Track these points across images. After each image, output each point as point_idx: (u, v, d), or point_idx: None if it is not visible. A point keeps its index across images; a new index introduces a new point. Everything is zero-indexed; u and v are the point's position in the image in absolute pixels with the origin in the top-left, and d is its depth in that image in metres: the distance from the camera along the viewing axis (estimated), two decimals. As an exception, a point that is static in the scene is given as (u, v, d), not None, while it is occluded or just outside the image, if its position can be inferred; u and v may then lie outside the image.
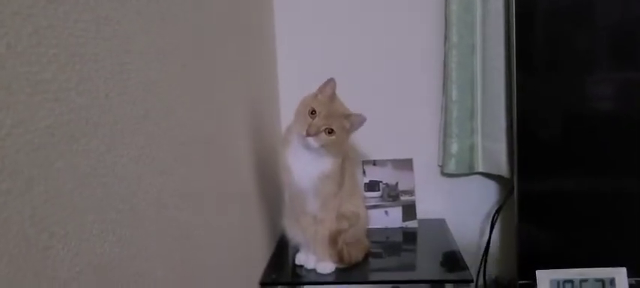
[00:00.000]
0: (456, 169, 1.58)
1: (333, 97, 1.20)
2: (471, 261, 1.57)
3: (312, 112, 1.16)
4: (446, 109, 1.57)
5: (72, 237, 0.53)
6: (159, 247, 0.74)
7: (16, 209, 0.45)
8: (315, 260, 1.30)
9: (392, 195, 1.62)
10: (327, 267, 1.28)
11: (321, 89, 1.20)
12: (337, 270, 1.29)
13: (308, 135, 1.15)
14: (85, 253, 0.56)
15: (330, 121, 1.16)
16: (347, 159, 1.31)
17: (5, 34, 0.44)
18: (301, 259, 1.34)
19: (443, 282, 1.43)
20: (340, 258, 1.28)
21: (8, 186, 0.44)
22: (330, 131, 1.16)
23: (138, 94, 0.69)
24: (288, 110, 1.67)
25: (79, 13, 0.56)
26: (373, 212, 1.59)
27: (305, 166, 1.21)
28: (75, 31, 0.54)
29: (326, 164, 1.21)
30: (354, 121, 1.20)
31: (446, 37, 1.55)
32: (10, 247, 0.45)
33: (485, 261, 1.58)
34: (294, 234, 1.35)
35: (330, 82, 1.20)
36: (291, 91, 1.66)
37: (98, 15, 0.59)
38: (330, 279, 1.28)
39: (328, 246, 1.26)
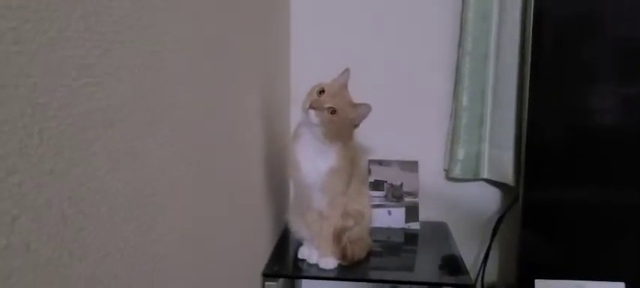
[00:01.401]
0: (462, 174, 1.60)
1: (345, 86, 1.22)
2: (471, 266, 1.59)
3: (321, 92, 1.18)
4: (455, 115, 1.58)
5: (103, 220, 0.54)
6: (174, 234, 0.75)
7: (57, 190, 0.46)
8: (318, 255, 1.31)
9: (396, 195, 1.63)
10: (329, 263, 1.29)
11: (336, 78, 1.22)
12: (339, 266, 1.30)
13: (311, 107, 1.16)
14: (113, 236, 0.57)
15: (335, 102, 1.16)
16: (356, 158, 1.32)
17: (57, 18, 0.45)
18: (304, 253, 1.35)
19: (442, 285, 1.45)
20: (343, 255, 1.29)
21: (51, 166, 0.45)
22: (333, 111, 1.16)
23: (167, 83, 0.70)
24: (298, 106, 1.68)
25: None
26: (376, 211, 1.60)
27: (313, 161, 1.21)
28: (118, 17, 0.55)
29: (334, 160, 1.21)
30: (360, 111, 1.20)
31: (460, 44, 1.56)
32: (49, 226, 0.46)
33: (485, 266, 1.60)
34: (298, 228, 1.36)
35: (346, 72, 1.22)
36: (303, 88, 1.67)
37: (138, 2, 0.60)
38: (332, 275, 1.29)
39: (332, 243, 1.28)
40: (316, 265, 1.31)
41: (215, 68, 0.92)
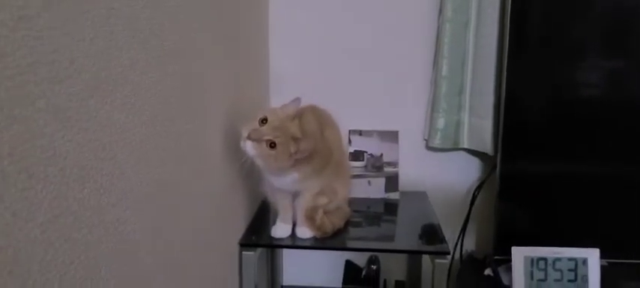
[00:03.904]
0: (441, 143, 1.59)
1: (292, 116, 1.13)
2: (450, 234, 1.59)
3: (263, 121, 1.10)
4: (435, 84, 1.57)
5: (51, 180, 0.53)
6: (139, 200, 0.73)
7: (-6, 146, 0.45)
8: (297, 225, 1.29)
9: (376, 166, 1.63)
10: (306, 232, 1.28)
11: (284, 105, 1.15)
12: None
13: (248, 138, 1.08)
14: (64, 197, 0.55)
15: (276, 134, 1.08)
16: (333, 142, 1.28)
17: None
18: (276, 232, 1.30)
19: (420, 253, 1.46)
20: (323, 231, 1.28)
21: (-14, 121, 0.43)
22: (273, 145, 1.08)
23: (124, 41, 0.67)
24: (277, 78, 1.66)
25: (67, -49, 0.54)
26: (356, 182, 1.59)
27: (281, 176, 1.19)
28: (61, -32, 0.53)
29: (302, 174, 1.17)
30: (301, 147, 1.11)
31: (440, 11, 1.54)
32: (-13, 183, 0.44)
33: (463, 235, 1.61)
34: (274, 200, 1.34)
35: (295, 101, 1.14)
36: (282, 53, 1.65)
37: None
38: (309, 244, 1.29)
39: (306, 222, 1.27)
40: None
41: (183, 29, 0.90)
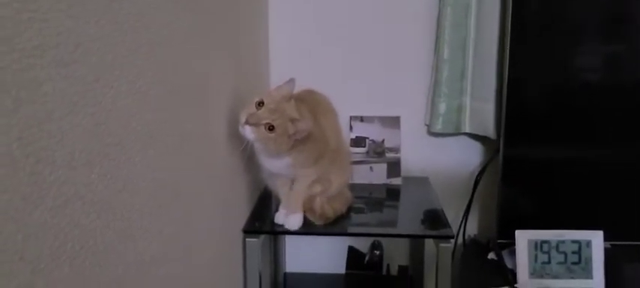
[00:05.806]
0: (443, 128, 1.59)
1: (288, 98, 1.13)
2: (452, 219, 1.59)
3: (260, 104, 1.09)
4: (436, 69, 1.56)
5: (59, 165, 0.52)
6: (146, 186, 0.73)
7: (3, 129, 0.44)
8: (285, 214, 1.28)
9: (377, 151, 1.62)
10: (295, 223, 1.26)
11: (278, 87, 1.14)
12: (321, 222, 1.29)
13: (247, 123, 1.08)
14: (73, 183, 0.55)
15: (274, 117, 1.07)
16: (328, 130, 1.26)
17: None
18: (280, 219, 1.29)
19: (423, 237, 1.47)
20: (325, 218, 1.28)
21: (-6, 104, 0.43)
22: (271, 128, 1.08)
23: (129, 25, 0.67)
24: (277, 64, 1.65)
25: None
26: (358, 168, 1.60)
27: (275, 160, 1.18)
28: (65, -51, 0.52)
29: (294, 159, 1.17)
30: (299, 127, 1.11)
31: (441, -5, 1.53)
32: (-4, 167, 0.43)
33: (466, 219, 1.61)
34: (273, 187, 1.34)
35: (290, 82, 1.14)
36: (282, 39, 1.64)
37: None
38: (312, 230, 1.29)
39: (307, 213, 1.27)
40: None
41: (187, 12, 0.89)
